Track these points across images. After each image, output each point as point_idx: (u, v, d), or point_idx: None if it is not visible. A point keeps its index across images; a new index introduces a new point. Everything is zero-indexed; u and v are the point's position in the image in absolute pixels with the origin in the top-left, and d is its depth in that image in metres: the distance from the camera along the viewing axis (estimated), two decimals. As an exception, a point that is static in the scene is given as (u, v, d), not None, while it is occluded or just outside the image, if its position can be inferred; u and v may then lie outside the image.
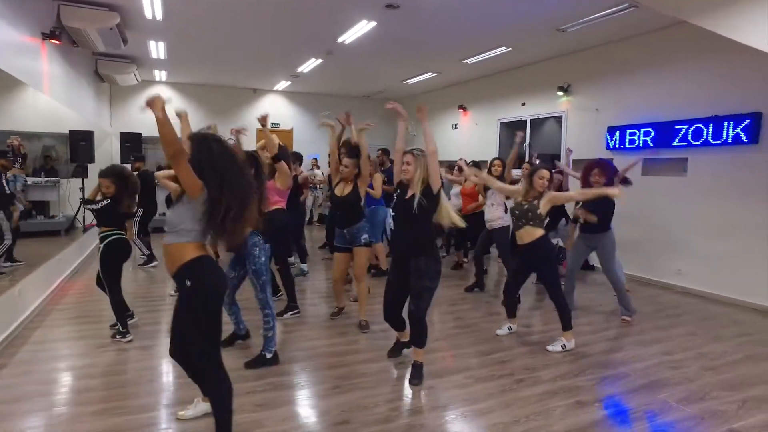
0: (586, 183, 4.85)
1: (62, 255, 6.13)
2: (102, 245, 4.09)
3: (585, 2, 5.67)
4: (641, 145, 6.67)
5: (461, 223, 3.42)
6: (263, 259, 3.63)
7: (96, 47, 6.94)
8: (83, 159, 9.21)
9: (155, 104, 2.20)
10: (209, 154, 2.29)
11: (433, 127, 11.67)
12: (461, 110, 10.60)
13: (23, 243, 8.02)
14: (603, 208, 4.66)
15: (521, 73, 8.94)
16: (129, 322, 4.30)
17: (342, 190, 4.38)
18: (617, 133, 7.01)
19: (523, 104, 8.95)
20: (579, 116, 7.81)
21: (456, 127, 10.93)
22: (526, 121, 8.93)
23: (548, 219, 4.65)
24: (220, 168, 2.28)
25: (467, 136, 10.58)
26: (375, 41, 7.31)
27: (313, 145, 12.29)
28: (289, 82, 10.91)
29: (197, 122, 10.99)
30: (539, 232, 4.03)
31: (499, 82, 9.53)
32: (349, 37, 7.15)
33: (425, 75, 9.85)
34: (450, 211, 3.36)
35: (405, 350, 3.82)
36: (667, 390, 3.31)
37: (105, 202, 4.09)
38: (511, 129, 9.51)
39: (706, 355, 3.97)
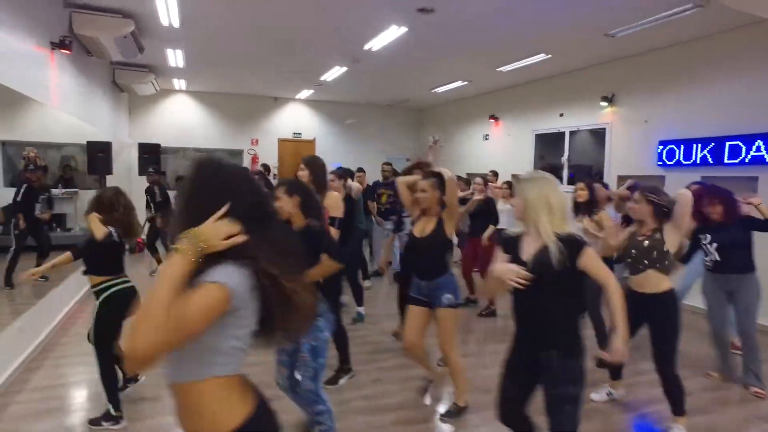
0: (699, 216, 3.74)
1: (72, 278, 5.71)
2: (100, 300, 3.08)
3: (640, 4, 5.09)
4: (699, 161, 6.02)
5: None
6: (327, 333, 2.68)
7: (111, 56, 6.59)
8: (101, 170, 8.91)
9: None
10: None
11: (463, 137, 11.13)
12: (492, 120, 10.03)
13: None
14: (744, 236, 3.71)
15: (559, 82, 8.34)
16: (134, 385, 3.51)
17: (422, 228, 3.23)
18: (670, 148, 6.37)
19: (561, 115, 8.34)
20: (625, 128, 7.18)
21: (487, 138, 10.36)
22: (564, 133, 8.32)
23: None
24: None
25: (499, 147, 10.00)
26: (404, 48, 6.81)
27: (336, 155, 11.83)
28: (312, 91, 10.49)
29: (217, 127, 10.58)
30: (666, 280, 3.07)
31: (534, 91, 8.93)
32: (377, 44, 6.67)
33: (455, 83, 9.31)
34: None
35: None
36: None
37: (111, 231, 3.03)
38: (546, 141, 8.93)
39: None
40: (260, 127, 11.47)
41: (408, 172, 4.31)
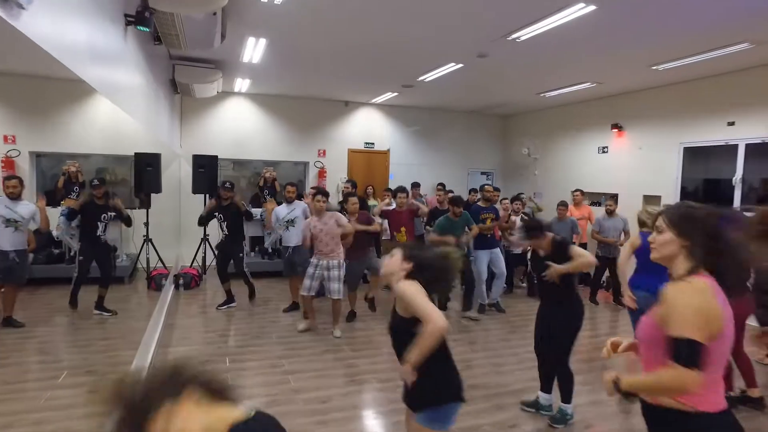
0: None
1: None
2: None
3: None
4: None
5: None
6: None
7: (185, 45, 5.04)
8: (149, 187, 7.39)
9: None
10: None
11: (568, 149, 9.41)
12: (615, 130, 8.31)
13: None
14: None
15: (731, 80, 6.58)
16: None
17: None
18: None
19: (731, 123, 6.60)
20: None
21: (604, 151, 8.63)
22: (736, 146, 6.57)
23: None
24: None
25: (623, 163, 8.26)
26: (566, 36, 5.16)
27: (411, 168, 10.22)
28: (395, 94, 8.86)
29: (280, 136, 9.01)
30: None
31: (685, 94, 7.19)
32: (531, 32, 5.04)
33: (579, 86, 7.63)
34: None
35: None
36: None
37: None
38: (698, 156, 7.19)
39: None
40: (328, 136, 9.86)
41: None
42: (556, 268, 3.41)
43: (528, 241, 3.78)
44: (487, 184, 7.95)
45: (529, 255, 3.64)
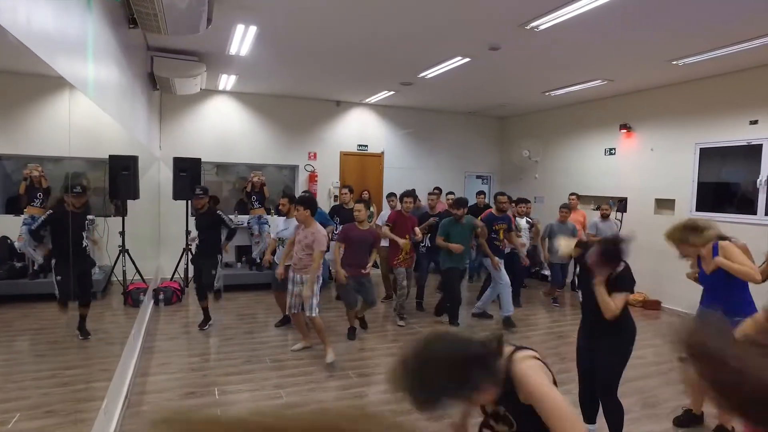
0: None
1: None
2: None
3: None
4: None
5: None
6: None
7: (161, 28, 4.41)
8: (125, 193, 6.69)
9: None
10: None
11: (575, 150, 8.99)
12: (624, 131, 7.90)
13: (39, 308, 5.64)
14: None
15: (755, 76, 6.18)
16: None
17: None
18: None
19: (755, 122, 6.22)
20: None
21: (611, 153, 8.22)
22: (760, 146, 6.19)
23: None
24: None
25: (630, 165, 7.86)
26: (588, 24, 4.70)
27: (406, 172, 9.70)
28: (390, 93, 8.33)
29: (267, 138, 8.22)
30: None
31: (703, 91, 6.80)
32: (553, 19, 4.55)
33: (588, 84, 7.20)
34: None
35: None
36: None
37: None
38: (714, 157, 6.80)
39: None
40: (318, 138, 9.27)
41: None
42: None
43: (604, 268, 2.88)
44: (500, 193, 7.50)
45: (576, 270, 3.05)
